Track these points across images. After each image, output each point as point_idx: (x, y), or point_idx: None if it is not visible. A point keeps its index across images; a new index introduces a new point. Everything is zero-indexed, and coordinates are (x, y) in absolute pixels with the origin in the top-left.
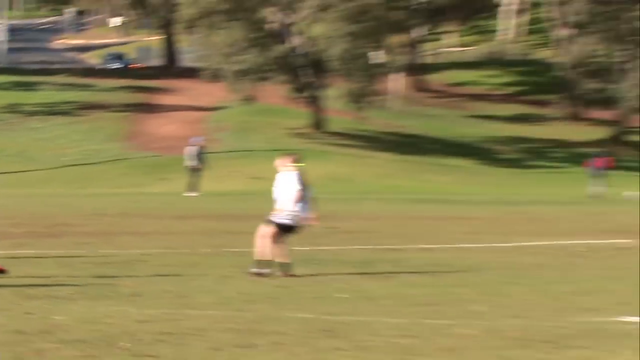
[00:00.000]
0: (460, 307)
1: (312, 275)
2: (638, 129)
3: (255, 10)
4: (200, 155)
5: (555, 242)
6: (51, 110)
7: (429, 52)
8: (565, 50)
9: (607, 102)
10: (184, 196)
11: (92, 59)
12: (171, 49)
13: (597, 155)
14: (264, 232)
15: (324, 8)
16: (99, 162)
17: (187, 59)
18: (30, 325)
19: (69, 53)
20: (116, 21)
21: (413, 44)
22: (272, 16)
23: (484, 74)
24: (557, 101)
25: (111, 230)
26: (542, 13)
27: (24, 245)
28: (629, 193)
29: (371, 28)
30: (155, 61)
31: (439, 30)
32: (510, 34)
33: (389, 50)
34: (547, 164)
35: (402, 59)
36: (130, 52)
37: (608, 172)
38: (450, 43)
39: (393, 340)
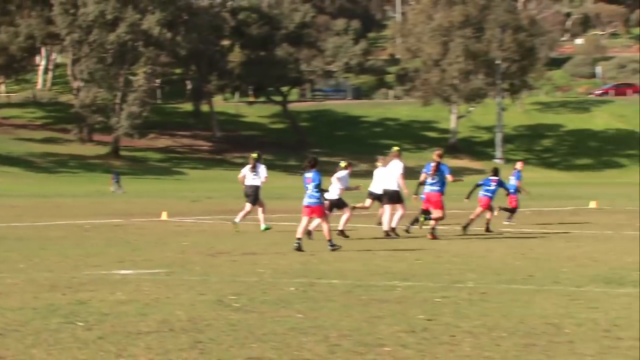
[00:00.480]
0: (8, 265)
1: None
2: (126, 147)
3: None
4: None
5: (72, 222)
6: None
7: None
8: (78, 95)
9: (107, 129)
10: None
11: None
12: None
13: (114, 172)
14: None
15: None
16: None
17: None
18: None
19: None
20: None
21: None
22: None
23: (25, 111)
24: (74, 129)
25: None
26: (64, 70)
27: None
28: (114, 188)
29: None
30: None
31: None
32: (43, 85)
33: None
34: (68, 170)
35: None
36: None
37: (121, 177)
38: (2, 90)
39: None
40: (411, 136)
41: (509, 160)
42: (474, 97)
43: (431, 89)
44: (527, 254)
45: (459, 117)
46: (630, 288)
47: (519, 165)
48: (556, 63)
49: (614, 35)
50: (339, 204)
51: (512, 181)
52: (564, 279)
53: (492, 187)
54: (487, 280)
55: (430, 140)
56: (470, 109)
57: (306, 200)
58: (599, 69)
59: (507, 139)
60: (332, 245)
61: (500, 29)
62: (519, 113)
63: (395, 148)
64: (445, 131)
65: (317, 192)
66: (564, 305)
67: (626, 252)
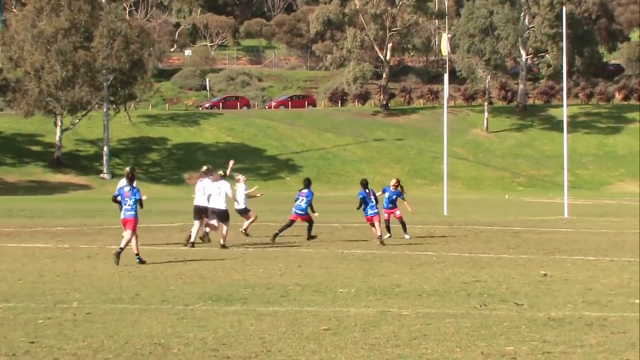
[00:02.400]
0: None
1: None
2: None
3: None
4: None
5: None
6: None
7: None
8: None
9: None
10: None
11: None
12: None
13: None
14: None
15: None
16: None
17: None
18: None
19: None
20: None
21: None
22: None
23: None
24: None
25: None
26: None
27: None
28: None
29: None
30: None
31: None
32: None
33: None
34: None
35: None
36: None
37: None
38: None
39: None
40: (14, 150)
41: (115, 175)
42: (78, 108)
43: (32, 100)
44: (133, 272)
45: (64, 130)
46: (238, 305)
47: (394, 181)
48: (165, 75)
49: (222, 46)
50: (245, 212)
51: (386, 196)
52: (172, 297)
53: (374, 202)
54: (92, 300)
55: (34, 155)
56: (76, 121)
57: (123, 214)
58: (208, 81)
59: (114, 153)
60: (139, 259)
61: (109, 37)
62: (127, 126)
63: (242, 176)
64: (51, 145)
65: (134, 205)
66: (172, 324)
67: (234, 269)
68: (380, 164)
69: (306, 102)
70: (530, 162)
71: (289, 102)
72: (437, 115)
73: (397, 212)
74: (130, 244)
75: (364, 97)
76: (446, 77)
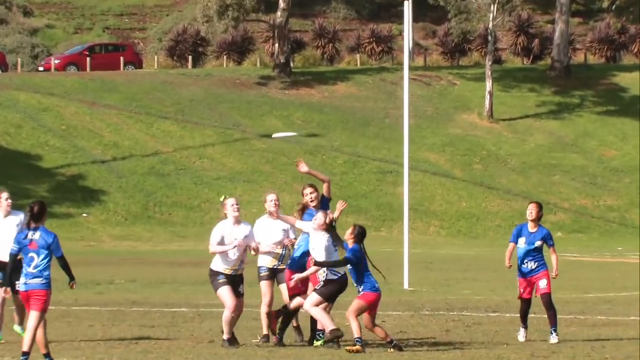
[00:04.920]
0: None
1: None
2: None
3: None
4: None
5: None
6: None
7: None
8: None
9: None
10: None
11: None
12: None
13: None
14: None
15: None
16: None
17: None
18: None
19: None
20: None
21: None
22: None
23: None
24: None
25: None
26: None
27: None
28: None
29: None
30: None
31: None
32: None
33: None
34: None
35: None
36: None
37: None
38: None
39: None
40: None
41: None
42: None
43: None
44: None
45: None
46: None
47: (533, 210)
48: None
49: None
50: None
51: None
52: None
53: None
54: None
55: None
56: None
57: (25, 282)
58: None
59: None
60: None
61: None
62: None
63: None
64: None
65: (47, 266)
66: None
67: None
68: (271, 184)
69: (122, 59)
70: (580, 182)
71: (87, 59)
72: (388, 87)
73: (545, 282)
74: (36, 337)
75: (240, 50)
76: (407, 6)
